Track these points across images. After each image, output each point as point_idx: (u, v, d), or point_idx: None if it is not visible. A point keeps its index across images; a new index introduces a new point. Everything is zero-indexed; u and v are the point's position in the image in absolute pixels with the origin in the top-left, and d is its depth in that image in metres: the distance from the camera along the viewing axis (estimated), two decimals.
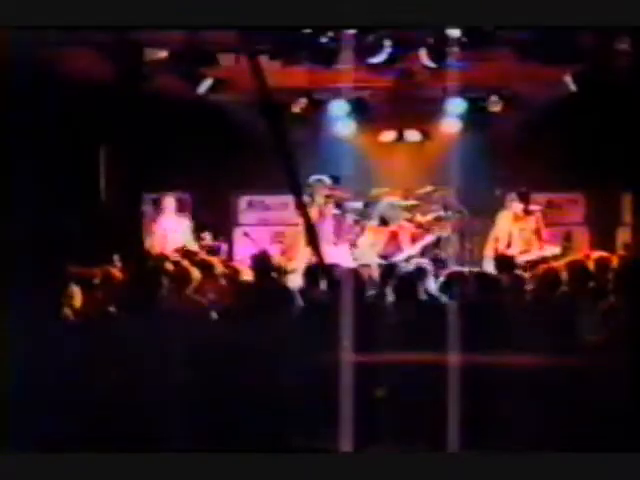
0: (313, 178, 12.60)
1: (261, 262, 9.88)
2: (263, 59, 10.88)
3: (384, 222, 13.09)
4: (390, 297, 8.17)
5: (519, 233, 12.49)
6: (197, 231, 13.08)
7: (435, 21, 6.58)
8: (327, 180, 12.80)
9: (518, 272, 9.71)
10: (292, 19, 6.48)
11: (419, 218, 13.47)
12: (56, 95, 10.83)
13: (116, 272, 8.68)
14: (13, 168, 8.88)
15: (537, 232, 12.52)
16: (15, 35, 7.36)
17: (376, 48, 11.16)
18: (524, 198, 12.60)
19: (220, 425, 6.03)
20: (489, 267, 11.68)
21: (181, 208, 13.41)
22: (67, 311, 7.39)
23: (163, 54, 11.56)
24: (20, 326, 6.33)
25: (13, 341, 6.13)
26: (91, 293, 7.87)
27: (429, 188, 13.74)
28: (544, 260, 11.05)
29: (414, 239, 13.03)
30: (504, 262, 9.94)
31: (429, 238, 12.98)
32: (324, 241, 12.10)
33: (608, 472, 5.23)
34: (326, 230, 12.54)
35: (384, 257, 12.88)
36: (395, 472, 5.49)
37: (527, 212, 12.55)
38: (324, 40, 10.98)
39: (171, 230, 12.81)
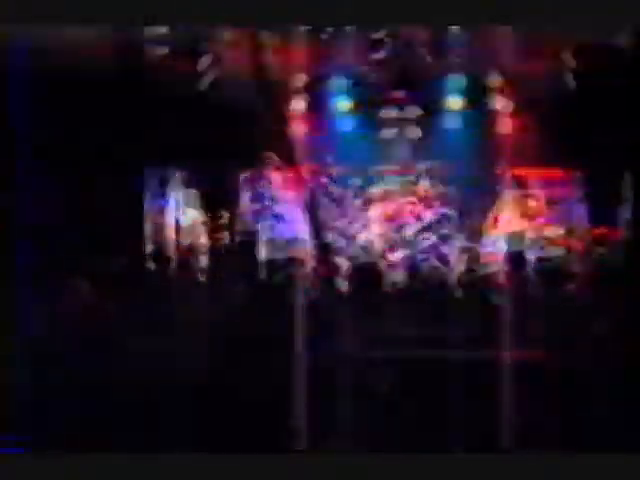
0: None
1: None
2: (263, 52, 10.87)
3: (390, 197, 13.24)
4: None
5: (520, 212, 12.47)
6: (210, 209, 13.07)
7: (435, 17, 6.54)
8: None
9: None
10: (293, 16, 6.45)
11: (420, 194, 13.53)
12: (56, 89, 10.78)
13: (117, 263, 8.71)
14: (15, 164, 8.89)
15: (538, 211, 12.52)
16: (15, 29, 7.33)
17: (376, 42, 11.12)
18: (520, 182, 12.63)
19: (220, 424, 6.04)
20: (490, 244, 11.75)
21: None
22: (71, 305, 7.39)
23: (163, 47, 11.53)
24: (24, 323, 6.33)
25: (18, 340, 6.14)
26: (95, 284, 7.87)
27: (430, 164, 13.75)
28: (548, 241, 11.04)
29: (418, 216, 13.14)
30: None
31: (430, 218, 13.08)
32: None
33: (608, 472, 5.25)
34: None
35: (388, 231, 12.99)
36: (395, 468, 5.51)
37: (526, 194, 12.55)
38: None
39: (181, 204, 12.80)
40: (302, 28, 11.38)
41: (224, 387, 6.13)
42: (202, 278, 8.97)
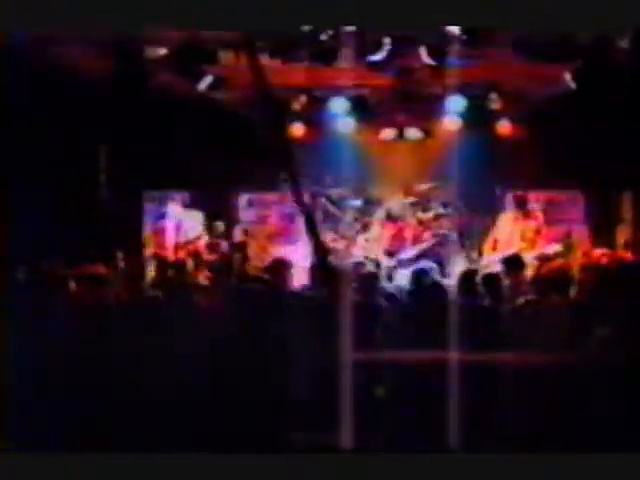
0: None
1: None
2: (263, 56, 10.88)
3: (391, 219, 13.29)
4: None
5: (520, 233, 12.50)
6: (209, 221, 13.13)
7: (435, 22, 6.59)
8: None
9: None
10: (292, 18, 6.50)
11: (419, 216, 13.55)
12: (57, 93, 10.83)
13: (116, 268, 8.72)
14: (13, 167, 8.92)
15: (538, 231, 12.55)
16: (16, 33, 7.37)
17: (376, 46, 11.13)
18: (521, 202, 12.68)
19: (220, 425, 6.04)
20: (490, 265, 11.74)
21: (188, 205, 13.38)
22: (67, 309, 7.39)
23: (163, 51, 11.53)
24: (21, 325, 6.34)
25: (14, 341, 6.15)
26: (92, 290, 7.86)
27: (429, 186, 13.78)
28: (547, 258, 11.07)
29: (417, 237, 13.18)
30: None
31: (429, 242, 13.12)
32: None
33: (608, 472, 5.24)
34: None
35: (389, 253, 12.99)
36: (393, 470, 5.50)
37: (526, 214, 12.60)
38: (324, 38, 10.92)
39: (183, 224, 12.85)
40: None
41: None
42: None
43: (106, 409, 6.10)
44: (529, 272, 9.86)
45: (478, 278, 8.82)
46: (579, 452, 5.45)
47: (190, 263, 10.32)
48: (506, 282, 8.82)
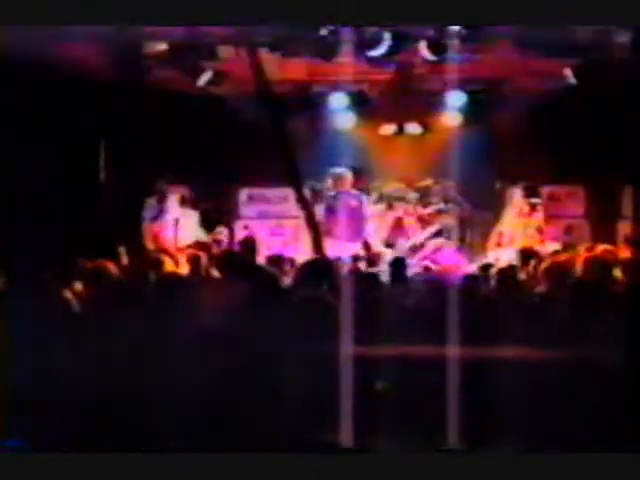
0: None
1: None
2: (263, 52, 10.88)
3: (390, 208, 13.30)
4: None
5: (522, 229, 12.52)
6: (208, 224, 13.11)
7: (435, 17, 6.58)
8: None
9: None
10: (292, 14, 6.50)
11: (420, 211, 13.56)
12: (56, 89, 10.83)
13: (118, 265, 8.68)
14: (13, 162, 8.90)
15: (539, 227, 12.57)
16: (14, 29, 7.35)
17: (376, 41, 11.10)
18: (531, 192, 12.66)
19: (221, 423, 6.02)
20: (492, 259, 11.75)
21: (186, 201, 13.33)
22: (69, 306, 7.36)
23: (163, 47, 11.51)
24: (20, 323, 6.33)
25: (14, 339, 6.14)
26: (93, 287, 7.84)
27: (429, 181, 13.78)
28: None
29: (417, 230, 13.19)
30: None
31: (432, 229, 13.11)
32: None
33: (608, 472, 5.23)
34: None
35: (389, 243, 13.00)
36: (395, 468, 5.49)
37: (531, 207, 12.59)
38: (323, 33, 10.89)
39: (180, 222, 12.82)
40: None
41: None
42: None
43: (106, 408, 6.10)
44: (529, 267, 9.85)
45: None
46: (579, 452, 5.44)
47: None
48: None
